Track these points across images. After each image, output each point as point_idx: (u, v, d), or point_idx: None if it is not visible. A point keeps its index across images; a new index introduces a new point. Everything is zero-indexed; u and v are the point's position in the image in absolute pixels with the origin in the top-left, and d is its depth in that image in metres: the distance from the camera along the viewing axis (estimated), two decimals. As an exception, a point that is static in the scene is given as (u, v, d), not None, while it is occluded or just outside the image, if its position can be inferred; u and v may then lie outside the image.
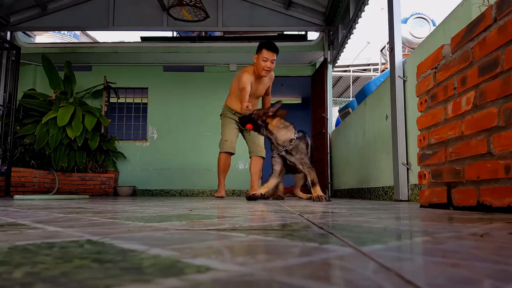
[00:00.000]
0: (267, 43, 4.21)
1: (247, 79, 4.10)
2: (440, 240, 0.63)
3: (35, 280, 0.35)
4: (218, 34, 7.11)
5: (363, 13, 4.86)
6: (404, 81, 3.13)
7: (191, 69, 7.18)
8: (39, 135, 5.22)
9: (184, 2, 4.71)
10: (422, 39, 3.09)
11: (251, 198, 3.21)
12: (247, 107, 3.73)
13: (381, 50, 10.78)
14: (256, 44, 6.55)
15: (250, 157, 4.43)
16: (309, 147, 3.40)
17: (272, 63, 4.14)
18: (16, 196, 3.26)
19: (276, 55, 4.18)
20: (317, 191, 3.20)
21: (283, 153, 3.31)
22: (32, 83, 6.89)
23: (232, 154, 4.31)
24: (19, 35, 6.56)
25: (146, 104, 7.21)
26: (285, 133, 3.30)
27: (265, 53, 4.11)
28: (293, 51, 6.57)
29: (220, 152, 4.30)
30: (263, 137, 3.87)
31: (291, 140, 3.28)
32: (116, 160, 6.71)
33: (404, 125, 3.10)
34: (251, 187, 4.33)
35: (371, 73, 11.40)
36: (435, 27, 3.28)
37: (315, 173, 3.28)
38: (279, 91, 9.11)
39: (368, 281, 0.36)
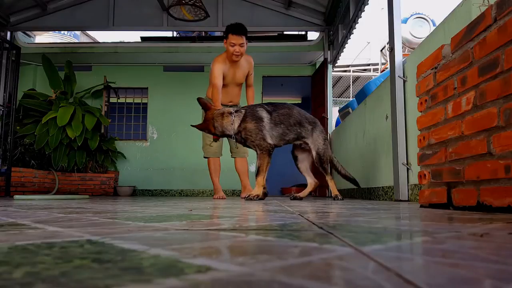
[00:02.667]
0: (233, 26, 3.87)
1: (218, 70, 3.84)
2: (440, 240, 0.63)
3: (35, 280, 0.35)
4: (218, 34, 7.11)
5: (363, 13, 4.86)
6: (404, 81, 3.13)
7: (191, 69, 7.18)
8: (39, 135, 5.23)
9: (183, 1, 4.71)
10: (422, 39, 3.09)
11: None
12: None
13: (381, 50, 10.78)
14: (256, 44, 6.57)
15: (231, 157, 4.27)
16: (262, 120, 3.06)
17: (242, 46, 3.85)
18: (16, 196, 3.26)
19: (245, 37, 3.88)
20: (256, 184, 3.02)
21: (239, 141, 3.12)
22: (32, 83, 6.89)
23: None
24: (19, 35, 6.56)
25: (146, 104, 7.21)
26: (225, 121, 3.11)
27: (232, 38, 3.81)
28: (293, 51, 6.56)
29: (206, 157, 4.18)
30: None
31: (239, 126, 3.07)
32: (116, 160, 6.71)
33: (404, 125, 3.09)
34: (243, 188, 4.20)
35: (371, 73, 11.40)
36: (435, 27, 3.27)
37: (266, 159, 3.02)
38: (279, 91, 9.11)
39: (368, 281, 0.36)
